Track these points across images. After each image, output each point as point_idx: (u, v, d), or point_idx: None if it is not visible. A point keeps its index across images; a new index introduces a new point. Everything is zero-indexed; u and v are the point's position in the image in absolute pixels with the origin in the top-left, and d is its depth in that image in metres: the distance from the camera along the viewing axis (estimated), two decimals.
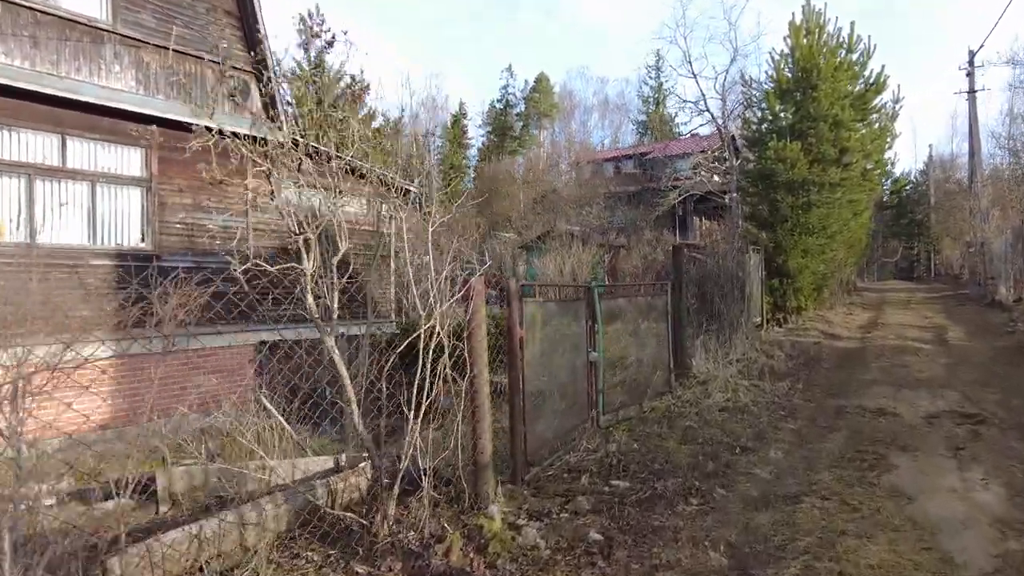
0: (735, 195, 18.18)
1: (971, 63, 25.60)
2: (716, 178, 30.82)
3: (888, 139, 15.05)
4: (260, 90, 13.17)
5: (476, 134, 69.58)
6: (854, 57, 14.54)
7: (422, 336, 4.21)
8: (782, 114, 14.77)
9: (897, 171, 48.84)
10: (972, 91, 25.44)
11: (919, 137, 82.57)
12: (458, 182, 61.68)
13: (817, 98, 13.62)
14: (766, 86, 15.27)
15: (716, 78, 19.79)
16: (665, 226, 26.08)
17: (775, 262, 13.87)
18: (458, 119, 67.50)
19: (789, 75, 14.53)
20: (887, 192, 47.64)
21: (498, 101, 72.29)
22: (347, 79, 39.40)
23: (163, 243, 10.87)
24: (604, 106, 65.43)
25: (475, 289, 4.30)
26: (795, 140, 13.64)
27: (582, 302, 6.54)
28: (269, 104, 12.91)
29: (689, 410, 7.26)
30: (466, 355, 4.31)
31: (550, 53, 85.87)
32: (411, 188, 15.80)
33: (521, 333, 4.92)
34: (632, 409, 7.21)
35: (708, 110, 19.36)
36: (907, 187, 50.73)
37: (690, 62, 19.77)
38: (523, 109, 70.25)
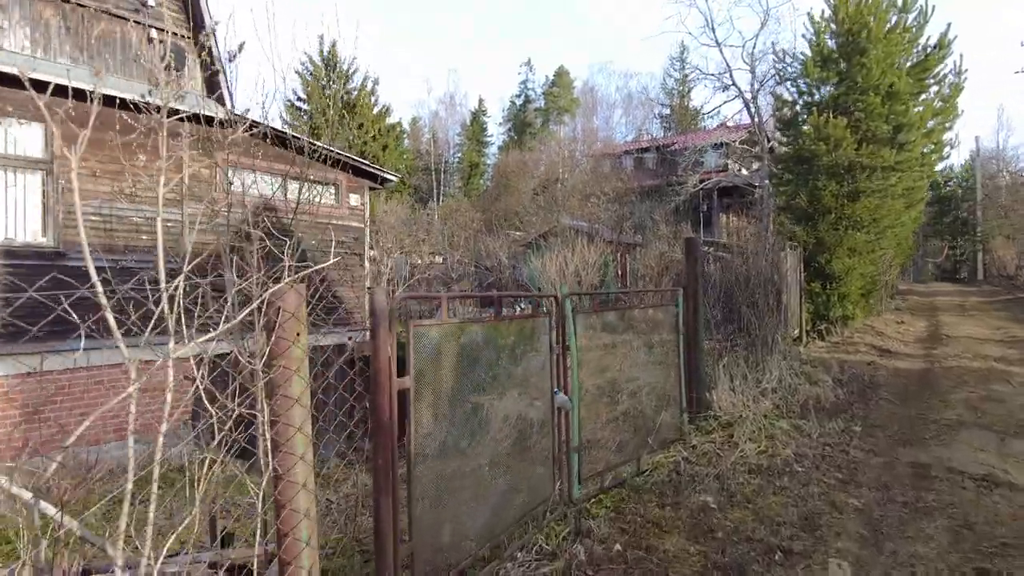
0: (766, 182, 15.84)
1: None
2: (744, 171, 28.37)
3: (951, 117, 12.63)
4: (203, 63, 11.25)
5: (496, 131, 67.75)
6: (910, 18, 12.18)
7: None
8: (822, 89, 12.46)
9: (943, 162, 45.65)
10: None
11: (961, 129, 78.47)
12: (477, 179, 59.92)
13: (867, 65, 11.29)
14: (803, 55, 12.95)
15: (743, 46, 17.34)
16: (687, 222, 23.73)
17: (816, 262, 11.58)
18: (477, 116, 65.84)
19: (831, 42, 12.21)
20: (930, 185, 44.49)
21: (517, 96, 70.45)
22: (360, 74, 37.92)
23: (69, 238, 9.04)
24: (628, 101, 62.90)
25: (283, 310, 2.26)
26: (839, 116, 11.34)
27: (545, 320, 4.45)
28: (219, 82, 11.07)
29: (706, 471, 5.11)
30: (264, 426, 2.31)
31: (572, 46, 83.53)
32: (390, 176, 13.85)
33: (405, 383, 2.87)
34: (626, 469, 5.12)
35: (734, 83, 16.98)
36: (952, 180, 47.37)
37: (713, 28, 17.48)
38: (543, 105, 68.32)
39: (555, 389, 4.41)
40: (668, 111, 55.50)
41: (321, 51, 40.21)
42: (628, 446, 5.22)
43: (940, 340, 11.59)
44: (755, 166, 18.34)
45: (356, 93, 40.94)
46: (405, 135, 55.65)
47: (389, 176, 13.56)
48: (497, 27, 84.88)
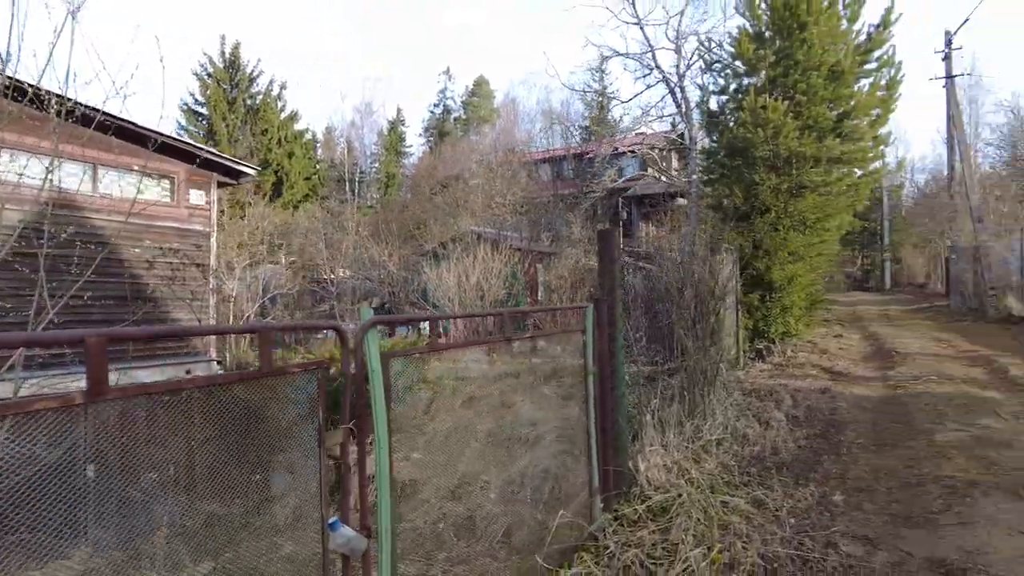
0: (694, 177, 14.19)
1: (948, 44, 22.63)
2: (664, 179, 27.10)
3: (893, 106, 11.26)
4: None
5: (416, 142, 65.48)
6: None
7: None
8: (758, 71, 10.85)
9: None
10: (949, 76, 22.43)
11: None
12: (395, 190, 57.16)
13: (808, 41, 9.72)
14: (735, 31, 11.33)
15: (668, 22, 15.64)
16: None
17: (752, 269, 9.87)
18: (395, 125, 63.35)
19: (765, 16, 10.64)
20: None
21: (435, 106, 68.38)
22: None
23: None
24: (549, 114, 61.79)
25: None
26: (779, 99, 9.71)
27: (309, 379, 2.24)
28: None
29: None
30: None
31: (491, 58, 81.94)
32: (246, 169, 11.28)
33: None
34: None
35: (657, 65, 15.22)
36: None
37: (633, 2, 15.67)
38: (463, 115, 66.54)
39: (331, 520, 2.18)
40: (588, 123, 54.60)
41: (223, 52, 36.75)
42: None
43: (891, 358, 10.07)
44: (677, 164, 16.90)
45: (260, 97, 37.71)
46: (317, 144, 52.51)
47: (245, 169, 10.99)
48: (416, 33, 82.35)
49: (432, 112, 67.69)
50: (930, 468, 5.23)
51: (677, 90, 14.62)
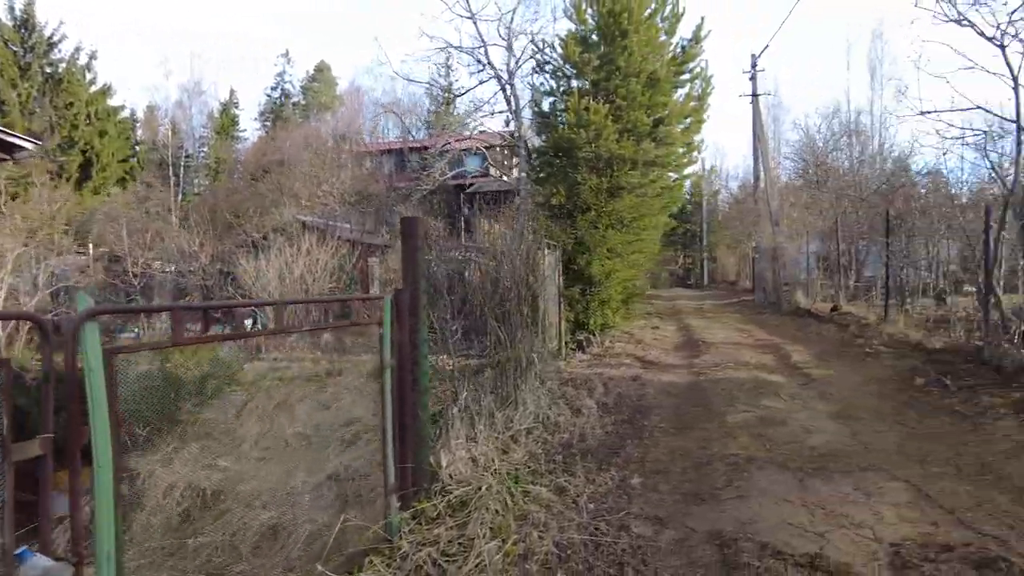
0: (523, 174, 14.51)
1: (754, 66, 25.20)
2: (506, 177, 27.60)
3: (703, 117, 12.25)
4: None
5: (251, 127, 61.32)
6: (667, 10, 11.53)
7: None
8: (583, 74, 11.27)
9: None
10: (755, 95, 24.98)
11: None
12: (224, 177, 53.00)
13: (629, 48, 10.25)
14: (563, 36, 11.69)
15: (500, 19, 15.79)
16: (447, 228, 21.92)
17: (575, 265, 10.24)
18: (228, 108, 58.89)
19: (592, 20, 11.07)
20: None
21: (273, 89, 64.50)
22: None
23: None
24: (396, 106, 60.60)
25: None
26: (601, 102, 10.14)
27: None
28: None
29: None
30: None
31: (334, 43, 78.87)
32: (23, 142, 9.77)
33: None
34: None
35: (490, 61, 15.34)
36: (684, 195, 52.79)
37: None
38: (302, 100, 63.33)
39: (19, 550, 1.80)
40: (433, 118, 54.31)
41: (12, 8, 31.66)
42: None
43: (699, 347, 10.96)
44: (515, 160, 17.18)
45: (64, 66, 33.02)
46: (137, 124, 47.36)
47: (21, 142, 9.47)
48: (252, 9, 77.01)
49: (269, 96, 63.85)
50: (719, 447, 5.66)
51: (508, 87, 14.91)
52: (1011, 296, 9.49)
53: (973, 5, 7.61)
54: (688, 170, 13.28)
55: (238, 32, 73.03)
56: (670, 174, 12.13)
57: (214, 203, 24.34)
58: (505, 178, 26.78)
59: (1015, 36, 7.50)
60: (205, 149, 55.55)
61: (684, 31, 12.29)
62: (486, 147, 19.51)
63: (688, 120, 11.72)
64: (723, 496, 4.56)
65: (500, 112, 15.98)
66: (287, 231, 11.93)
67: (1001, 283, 9.63)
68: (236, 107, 59.95)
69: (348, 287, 11.24)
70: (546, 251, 8.73)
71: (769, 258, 21.17)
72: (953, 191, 17.03)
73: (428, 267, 4.96)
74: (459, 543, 3.62)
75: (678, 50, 11.74)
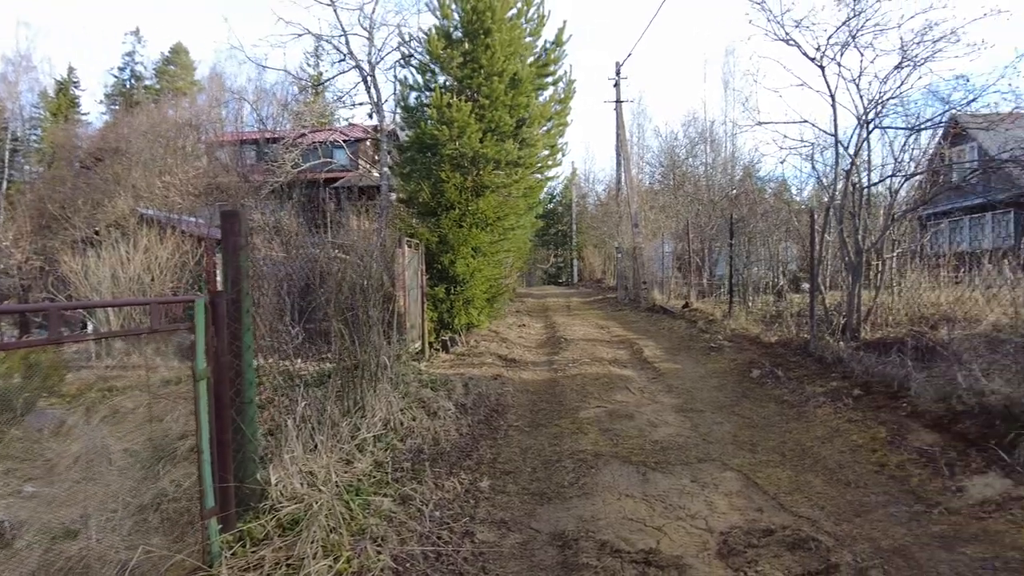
0: (386, 169, 14.12)
1: (618, 73, 26.29)
2: (375, 172, 26.89)
3: (566, 120, 12.52)
4: None
5: (95, 110, 55.73)
6: (531, 11, 11.66)
7: None
8: (448, 70, 11.13)
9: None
10: (619, 101, 26.08)
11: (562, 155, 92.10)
12: (60, 164, 47.68)
13: (492, 47, 10.23)
14: (427, 31, 11.48)
15: (361, 8, 15.25)
16: (313, 225, 20.96)
17: (439, 263, 10.09)
18: (66, 87, 53.19)
19: (456, 15, 10.95)
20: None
21: (121, 70, 59.07)
22: None
23: None
24: (261, 95, 57.23)
25: None
26: (465, 100, 10.05)
27: None
28: None
29: None
30: None
31: (191, 25, 73.22)
32: None
33: None
34: None
35: (351, 51, 14.74)
36: (555, 198, 54.36)
37: None
38: (156, 84, 58.42)
39: None
40: (294, 107, 51.92)
41: None
42: None
43: (560, 344, 11.18)
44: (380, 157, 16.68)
45: None
46: None
47: None
48: None
49: (117, 77, 58.47)
50: (570, 444, 5.73)
51: (369, 79, 14.45)
52: (834, 293, 10.49)
53: (797, 27, 8.28)
54: (553, 172, 13.55)
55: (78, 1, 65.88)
56: (535, 175, 12.28)
57: (42, 193, 21.70)
58: (376, 172, 26.10)
59: (832, 59, 8.26)
60: (38, 132, 49.93)
61: (549, 35, 12.50)
62: (347, 141, 18.83)
63: (551, 123, 11.93)
64: (569, 494, 4.59)
65: (361, 104, 15.47)
66: (123, 225, 10.80)
67: (827, 281, 10.64)
68: (76, 87, 54.40)
69: (192, 286, 10.36)
70: (408, 249, 8.51)
71: (630, 258, 22.17)
72: (797, 196, 18.72)
73: (259, 265, 4.60)
74: (287, 564, 3.35)
75: (542, 52, 11.91)
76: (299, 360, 6.34)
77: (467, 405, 6.92)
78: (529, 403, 7.34)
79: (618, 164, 26.18)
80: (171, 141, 21.54)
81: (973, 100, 7.54)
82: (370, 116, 15.62)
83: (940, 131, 9.16)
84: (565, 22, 11.79)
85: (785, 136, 9.80)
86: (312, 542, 3.46)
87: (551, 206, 53.97)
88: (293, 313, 5.19)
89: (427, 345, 9.38)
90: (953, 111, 8.19)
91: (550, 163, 13.63)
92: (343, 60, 14.77)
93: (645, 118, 42.35)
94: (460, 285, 10.11)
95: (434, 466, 4.99)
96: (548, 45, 11.72)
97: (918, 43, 7.53)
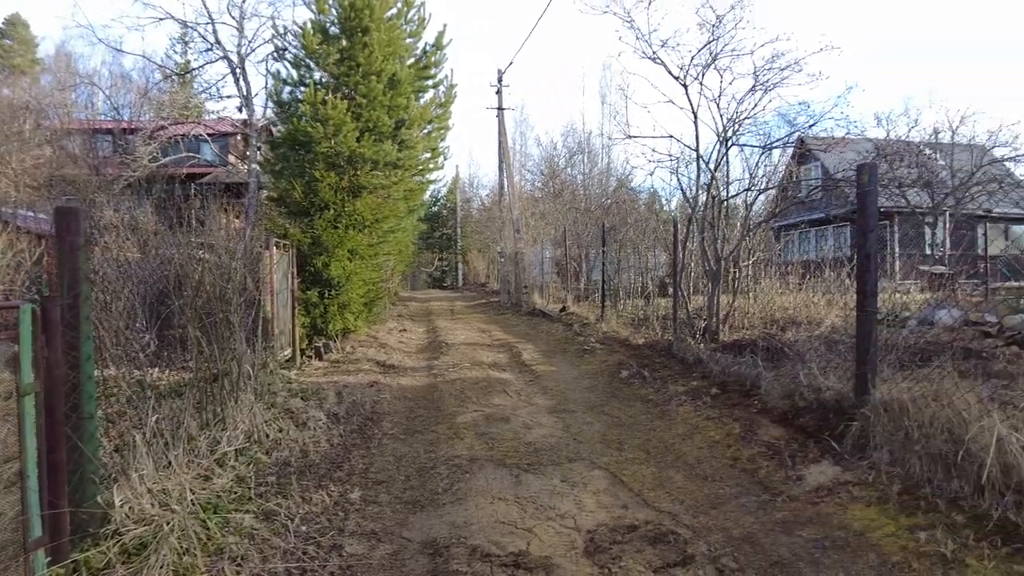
0: (255, 166, 13.44)
1: (500, 80, 26.65)
2: (245, 168, 25.53)
3: (447, 123, 12.51)
4: None
5: None
6: (411, 13, 11.54)
7: None
8: (323, 66, 10.76)
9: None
10: (501, 108, 26.44)
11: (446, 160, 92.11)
12: None
13: (370, 46, 10.01)
14: (302, 25, 11.04)
15: None
16: (174, 222, 19.53)
17: (312, 266, 9.72)
18: None
19: (334, 11, 10.62)
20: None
21: None
22: None
23: None
24: (117, 82, 52.38)
25: None
26: (341, 98, 9.76)
27: None
28: None
29: None
30: None
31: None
32: None
33: None
34: None
35: (218, 41, 13.87)
36: (439, 202, 54.20)
37: None
38: None
39: None
40: (166, 97, 48.19)
41: None
42: None
43: (440, 349, 11.12)
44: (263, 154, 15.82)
45: None
46: None
47: None
48: None
49: None
50: (445, 450, 5.70)
51: (238, 71, 13.70)
52: (697, 298, 11.19)
53: (663, 47, 8.79)
54: (435, 175, 13.49)
55: None
56: (416, 177, 12.16)
57: None
58: (246, 168, 24.82)
59: (695, 78, 8.84)
60: None
61: (430, 37, 12.43)
62: (213, 135, 17.76)
63: (432, 126, 11.87)
64: (442, 501, 4.56)
65: (230, 97, 14.65)
66: None
67: (691, 287, 11.33)
68: None
69: (30, 290, 9.30)
70: (278, 251, 8.13)
71: (512, 262, 22.52)
72: (666, 207, 19.81)
73: (108, 267, 4.21)
74: None
75: (422, 55, 11.83)
76: (155, 370, 5.89)
77: (339, 414, 6.70)
78: (406, 410, 7.24)
79: (501, 170, 26.54)
80: (4, 124, 19.30)
81: (814, 124, 8.37)
82: (239, 110, 14.83)
83: (790, 150, 10.06)
84: (445, 25, 11.82)
85: (654, 150, 10.35)
86: (161, 567, 3.20)
87: (435, 209, 53.74)
88: (149, 319, 4.79)
89: (299, 352, 9.00)
90: (799, 133, 9.02)
91: (432, 166, 13.56)
92: (210, 50, 13.90)
93: (528, 126, 43.39)
94: (335, 289, 9.79)
95: (301, 479, 4.78)
96: (429, 48, 11.67)
97: (768, 69, 8.23)
